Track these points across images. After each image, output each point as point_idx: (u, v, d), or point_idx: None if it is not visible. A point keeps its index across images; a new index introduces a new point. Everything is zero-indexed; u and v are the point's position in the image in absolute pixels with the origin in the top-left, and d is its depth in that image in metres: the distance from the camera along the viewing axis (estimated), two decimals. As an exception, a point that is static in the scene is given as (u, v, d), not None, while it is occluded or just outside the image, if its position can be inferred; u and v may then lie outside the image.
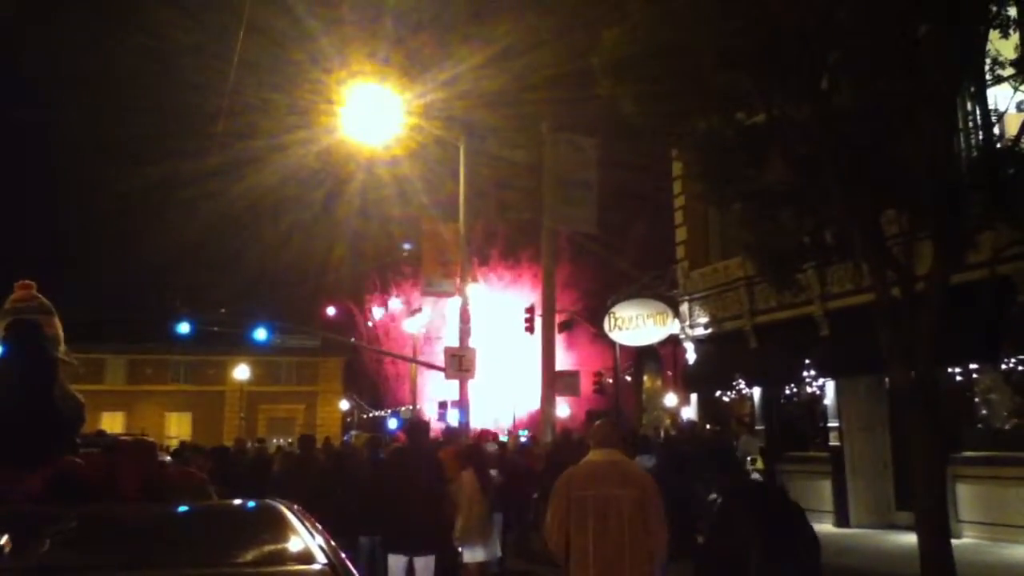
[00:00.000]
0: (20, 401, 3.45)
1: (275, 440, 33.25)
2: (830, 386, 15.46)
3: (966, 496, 12.69)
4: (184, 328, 28.92)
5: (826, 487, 15.36)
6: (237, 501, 5.81)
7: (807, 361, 15.35)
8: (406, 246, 32.54)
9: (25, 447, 3.38)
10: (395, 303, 37.43)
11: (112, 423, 36.04)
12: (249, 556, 4.89)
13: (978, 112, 10.46)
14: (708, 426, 18.25)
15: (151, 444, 5.13)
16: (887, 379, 13.01)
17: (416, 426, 9.17)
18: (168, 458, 10.66)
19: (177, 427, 46.11)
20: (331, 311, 42.54)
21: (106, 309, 37.99)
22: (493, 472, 9.99)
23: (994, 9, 8.47)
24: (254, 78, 19.44)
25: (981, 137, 10.02)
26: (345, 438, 29.71)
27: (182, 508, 4.59)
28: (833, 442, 15.44)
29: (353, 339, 36.98)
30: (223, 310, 31.43)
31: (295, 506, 5.40)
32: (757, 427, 17.32)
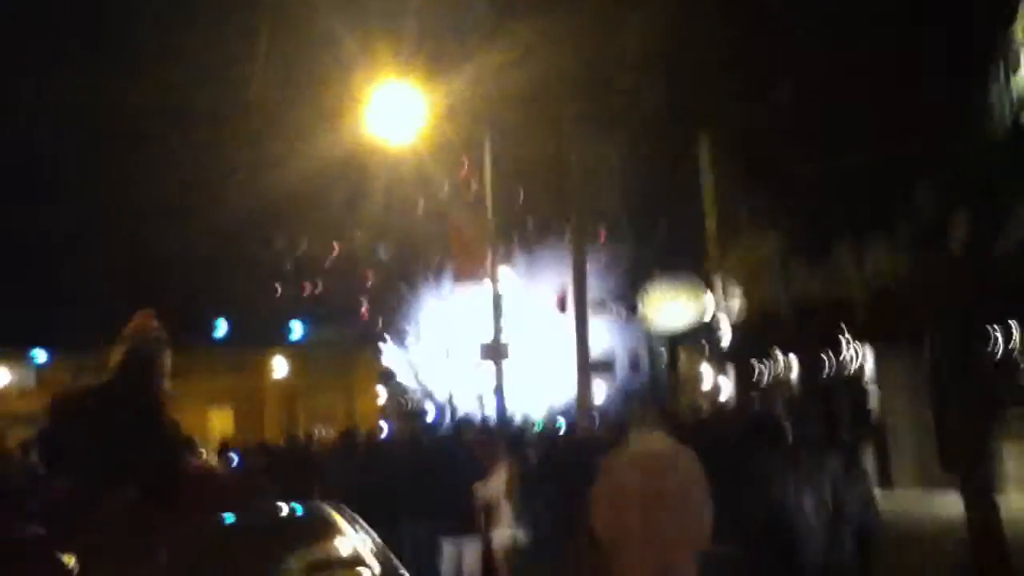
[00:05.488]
0: (125, 426, 3.60)
1: (319, 430, 33.72)
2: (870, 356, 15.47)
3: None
4: (222, 329, 29.68)
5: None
6: (285, 509, 5.96)
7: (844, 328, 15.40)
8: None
9: (119, 468, 3.54)
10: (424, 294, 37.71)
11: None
12: (301, 564, 5.15)
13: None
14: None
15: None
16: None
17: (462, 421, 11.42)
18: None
19: (219, 423, 46.74)
20: (364, 304, 42.94)
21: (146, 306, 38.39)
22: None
23: None
24: (279, 77, 19.59)
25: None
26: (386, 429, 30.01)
27: (232, 519, 4.78)
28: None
29: (385, 332, 37.25)
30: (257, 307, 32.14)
31: (343, 507, 5.53)
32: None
